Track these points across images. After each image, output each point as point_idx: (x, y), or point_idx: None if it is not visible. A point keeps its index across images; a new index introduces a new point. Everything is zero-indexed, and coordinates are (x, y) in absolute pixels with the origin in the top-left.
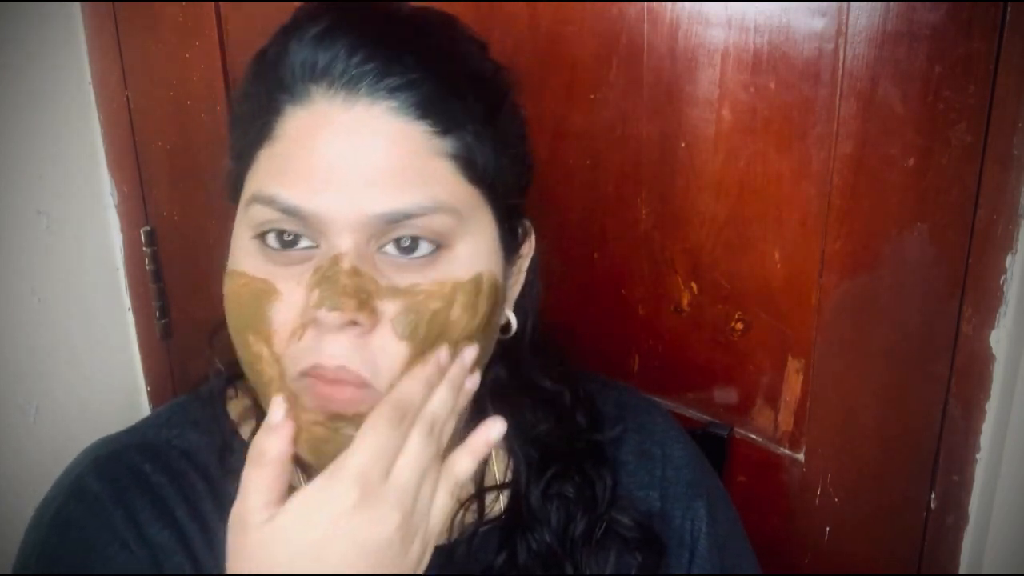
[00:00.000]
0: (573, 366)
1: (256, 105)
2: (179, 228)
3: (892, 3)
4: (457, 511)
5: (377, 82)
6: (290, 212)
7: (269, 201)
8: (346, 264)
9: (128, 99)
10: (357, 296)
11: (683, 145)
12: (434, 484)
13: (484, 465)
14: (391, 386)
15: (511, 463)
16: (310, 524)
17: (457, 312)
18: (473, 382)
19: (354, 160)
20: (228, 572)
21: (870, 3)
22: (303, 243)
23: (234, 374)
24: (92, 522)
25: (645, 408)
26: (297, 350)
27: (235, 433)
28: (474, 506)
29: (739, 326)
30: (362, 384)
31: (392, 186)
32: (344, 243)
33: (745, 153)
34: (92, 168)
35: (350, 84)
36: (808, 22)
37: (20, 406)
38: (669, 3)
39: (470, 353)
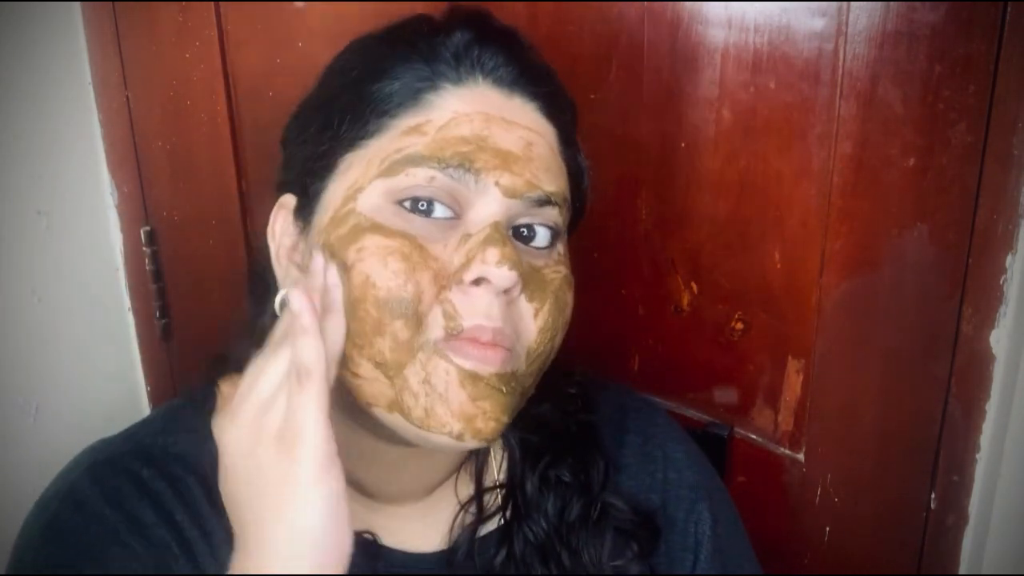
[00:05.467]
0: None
1: (402, 79)
2: (179, 228)
3: (892, 3)
4: (457, 514)
5: (529, 86)
6: (453, 176)
7: (435, 163)
8: (507, 230)
9: (128, 99)
10: (521, 262)
11: (683, 145)
12: (289, 386)
13: (483, 464)
14: (528, 353)
15: (506, 455)
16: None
17: (568, 296)
18: (331, 276)
19: (514, 141)
20: None
21: (870, 3)
22: (439, 212)
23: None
24: (90, 526)
25: (645, 410)
26: (442, 311)
27: None
28: (472, 508)
29: (739, 326)
30: (510, 347)
31: (542, 171)
32: (498, 211)
33: (745, 153)
34: (92, 168)
35: (510, 82)
36: (808, 22)
37: (20, 406)
38: (669, 3)
39: (318, 261)
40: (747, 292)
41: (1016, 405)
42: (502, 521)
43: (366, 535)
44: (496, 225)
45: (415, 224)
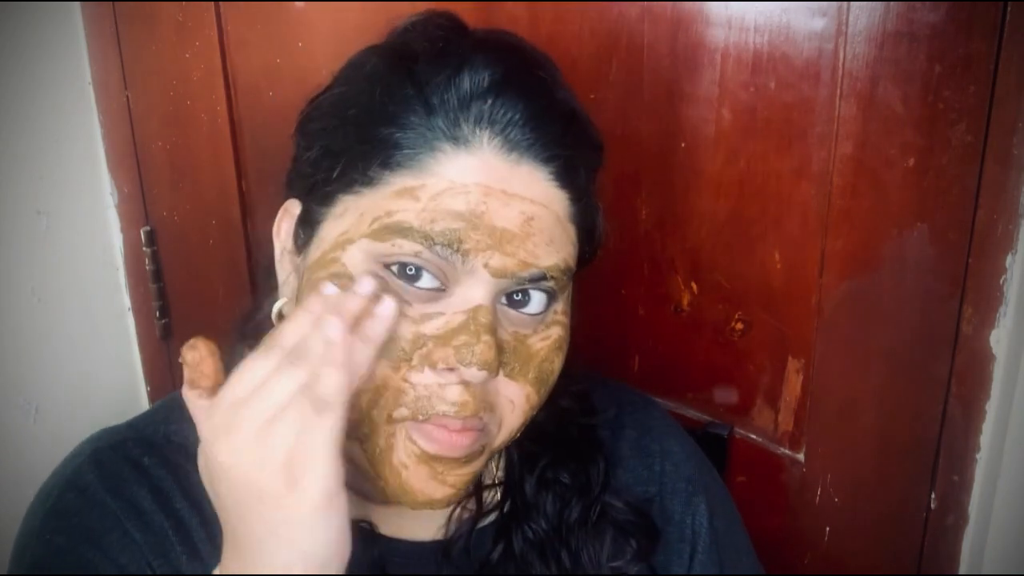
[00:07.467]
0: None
1: (404, 130)
2: (179, 228)
3: (892, 3)
4: (454, 509)
5: (542, 151)
6: (440, 254)
7: (422, 239)
8: (486, 318)
9: (128, 99)
10: (499, 355)
11: (683, 145)
12: (300, 410)
13: None
14: (502, 425)
15: (503, 456)
16: (203, 450)
17: (558, 361)
18: (388, 308)
19: (512, 217)
20: None
21: (870, 3)
22: (426, 281)
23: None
24: (91, 511)
25: (642, 405)
26: (414, 393)
27: None
28: (470, 503)
29: (739, 326)
30: (482, 427)
31: (541, 246)
32: (483, 295)
33: (745, 153)
34: (92, 168)
35: (521, 146)
36: (808, 22)
37: (20, 406)
38: (669, 3)
39: (366, 285)
40: (747, 292)
41: (1016, 405)
42: (500, 516)
43: (363, 524)
44: (476, 312)
45: (393, 290)
